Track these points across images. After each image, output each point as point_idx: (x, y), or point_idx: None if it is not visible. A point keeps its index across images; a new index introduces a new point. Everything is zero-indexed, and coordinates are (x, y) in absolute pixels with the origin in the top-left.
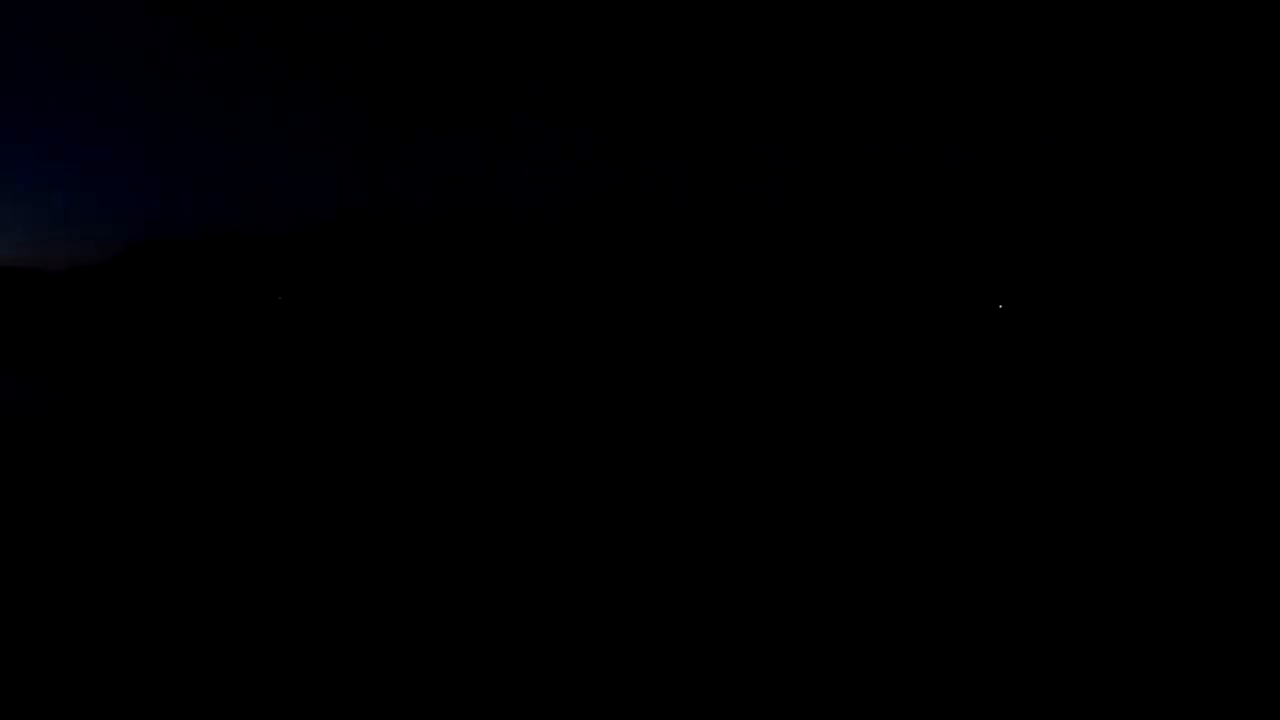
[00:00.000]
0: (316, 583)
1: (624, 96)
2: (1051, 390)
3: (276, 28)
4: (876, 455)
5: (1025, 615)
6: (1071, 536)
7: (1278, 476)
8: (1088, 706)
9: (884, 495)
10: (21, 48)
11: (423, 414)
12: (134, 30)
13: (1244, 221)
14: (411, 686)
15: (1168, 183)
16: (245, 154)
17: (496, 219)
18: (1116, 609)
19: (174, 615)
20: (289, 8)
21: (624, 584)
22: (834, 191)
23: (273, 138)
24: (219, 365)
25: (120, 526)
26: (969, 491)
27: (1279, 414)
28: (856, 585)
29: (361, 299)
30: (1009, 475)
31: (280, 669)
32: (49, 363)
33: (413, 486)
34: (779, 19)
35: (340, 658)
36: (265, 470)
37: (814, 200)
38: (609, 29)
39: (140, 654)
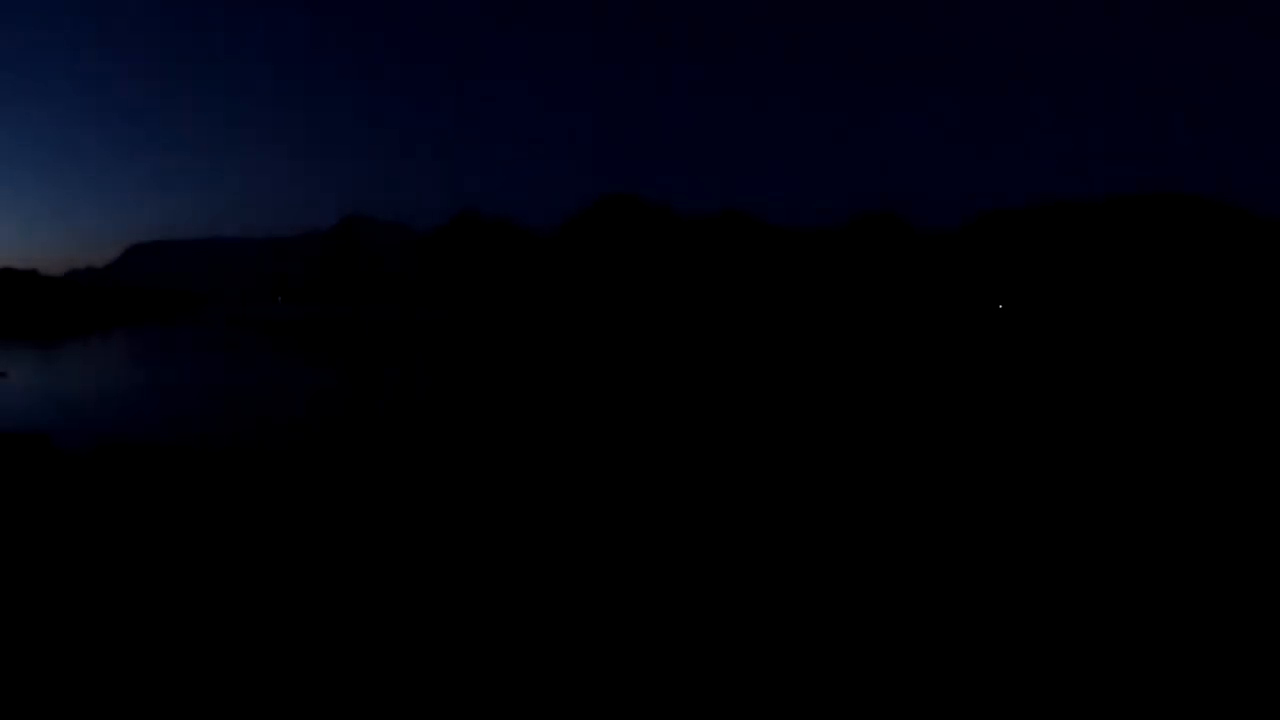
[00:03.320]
0: (317, 577)
1: (624, 98)
2: (1050, 388)
3: (278, 31)
4: (883, 449)
5: (1020, 608)
6: (1069, 530)
7: (1267, 468)
8: (1086, 703)
9: (888, 488)
10: (23, 49)
11: (423, 412)
12: (135, 31)
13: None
14: (412, 682)
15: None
16: (245, 155)
17: (496, 221)
18: (1109, 599)
19: (177, 612)
20: (290, 11)
21: (624, 578)
22: (834, 192)
23: (273, 139)
24: (219, 364)
25: (120, 523)
26: (970, 482)
27: (1268, 409)
28: (854, 580)
29: (361, 300)
30: (1010, 470)
31: (279, 666)
32: (48, 361)
33: (417, 483)
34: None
35: (345, 652)
36: (267, 467)
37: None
38: (610, 30)
39: (143, 651)
